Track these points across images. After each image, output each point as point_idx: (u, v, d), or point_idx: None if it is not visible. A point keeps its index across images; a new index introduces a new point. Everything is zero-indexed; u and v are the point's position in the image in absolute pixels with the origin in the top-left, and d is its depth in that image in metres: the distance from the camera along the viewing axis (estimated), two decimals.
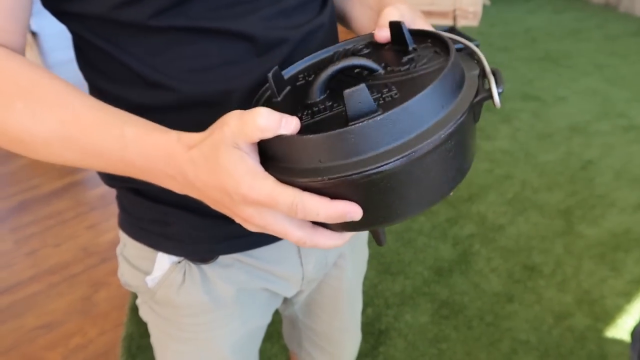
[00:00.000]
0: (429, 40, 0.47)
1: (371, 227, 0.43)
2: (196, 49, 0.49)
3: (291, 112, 0.40)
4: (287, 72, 0.50)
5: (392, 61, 0.45)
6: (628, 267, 1.74)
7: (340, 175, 0.36)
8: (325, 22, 0.57)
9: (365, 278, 0.90)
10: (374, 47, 0.50)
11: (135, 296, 1.72)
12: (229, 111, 0.50)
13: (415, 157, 0.36)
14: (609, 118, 2.56)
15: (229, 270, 0.62)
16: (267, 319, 0.74)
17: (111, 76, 0.52)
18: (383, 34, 0.48)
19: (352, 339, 0.93)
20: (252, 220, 0.38)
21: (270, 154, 0.39)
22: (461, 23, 2.68)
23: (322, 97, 0.43)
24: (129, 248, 0.64)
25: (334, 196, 0.37)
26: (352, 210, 0.37)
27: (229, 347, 0.68)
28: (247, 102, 0.51)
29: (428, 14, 2.74)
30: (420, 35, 0.48)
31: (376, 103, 0.38)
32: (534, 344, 1.50)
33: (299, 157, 0.37)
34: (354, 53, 0.50)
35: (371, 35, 0.51)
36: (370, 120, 0.35)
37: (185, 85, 0.50)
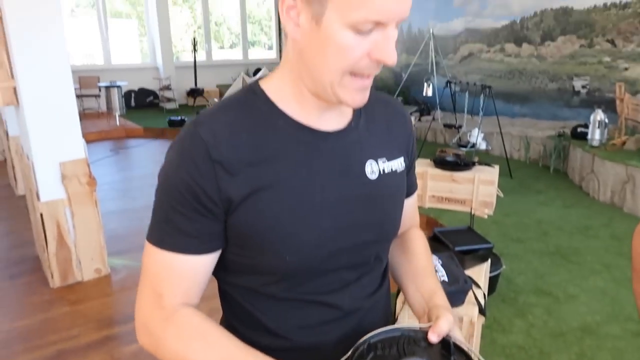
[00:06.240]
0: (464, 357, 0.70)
1: None
2: (305, 313, 0.76)
3: None
4: (371, 338, 0.72)
5: None
6: None
7: None
8: (384, 295, 0.84)
9: None
10: (428, 343, 0.72)
11: None
12: (326, 354, 0.76)
13: None
14: (619, 321, 2.70)
15: None
16: None
17: (246, 323, 0.78)
18: (435, 339, 0.71)
19: None
20: None
21: None
22: (477, 211, 3.00)
23: None
24: None
25: None
26: None
27: None
28: (336, 350, 0.74)
29: (447, 200, 3.08)
30: (459, 350, 0.71)
31: None
32: None
33: None
34: (415, 342, 0.73)
35: (426, 332, 0.72)
36: None
37: (296, 336, 0.76)
